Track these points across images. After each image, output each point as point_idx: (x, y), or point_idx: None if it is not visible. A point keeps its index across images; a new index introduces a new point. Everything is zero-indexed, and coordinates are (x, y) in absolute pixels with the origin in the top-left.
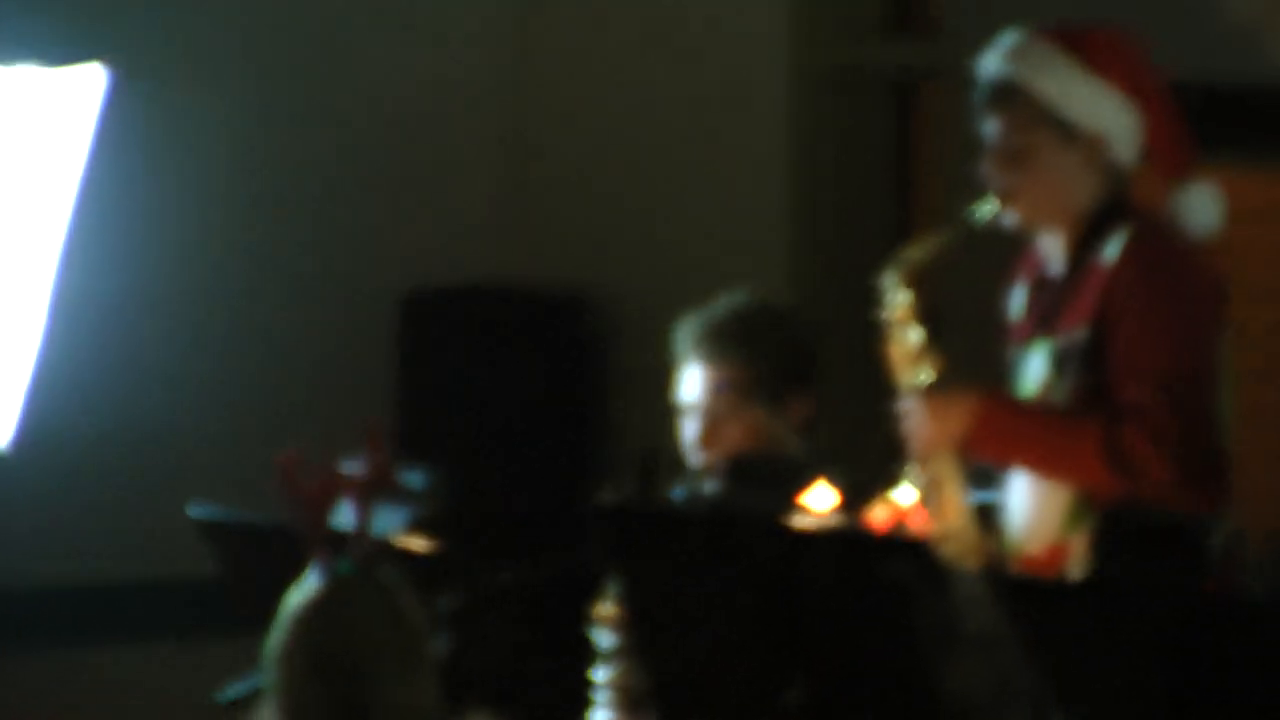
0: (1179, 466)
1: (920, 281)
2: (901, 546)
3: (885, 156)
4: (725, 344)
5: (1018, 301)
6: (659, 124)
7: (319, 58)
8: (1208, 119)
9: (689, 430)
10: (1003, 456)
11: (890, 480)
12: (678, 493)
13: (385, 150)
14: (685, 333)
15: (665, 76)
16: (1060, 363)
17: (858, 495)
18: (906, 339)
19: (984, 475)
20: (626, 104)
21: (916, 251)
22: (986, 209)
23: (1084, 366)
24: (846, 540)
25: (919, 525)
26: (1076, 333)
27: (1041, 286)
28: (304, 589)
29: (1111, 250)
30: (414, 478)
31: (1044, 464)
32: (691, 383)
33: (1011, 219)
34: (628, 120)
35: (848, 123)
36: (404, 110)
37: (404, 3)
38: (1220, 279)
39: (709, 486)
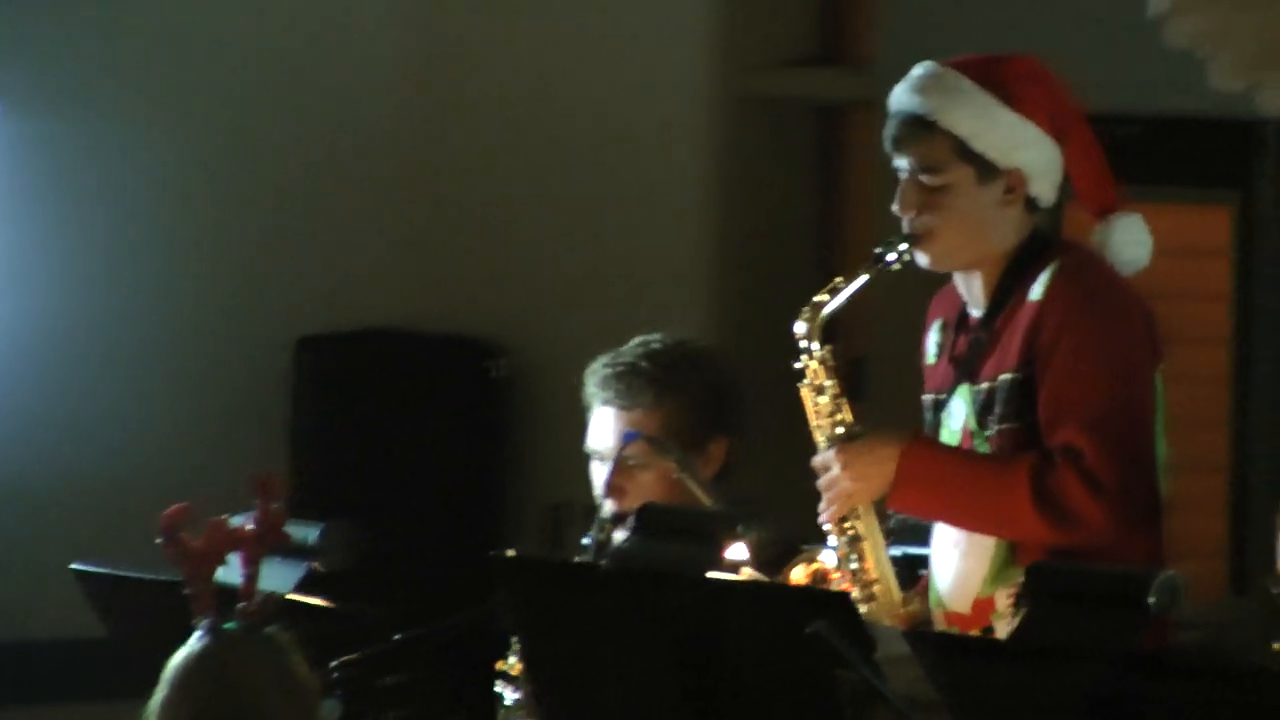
0: (1115, 512)
1: (833, 330)
2: (822, 601)
3: (811, 188)
4: (637, 388)
5: (933, 344)
6: (572, 157)
7: (220, 100)
8: (1144, 150)
9: (599, 478)
10: (929, 509)
11: (810, 535)
12: (587, 541)
13: (279, 191)
14: (595, 376)
15: (580, 108)
16: (984, 410)
17: (779, 545)
18: (822, 391)
19: (906, 530)
20: (537, 136)
21: (828, 299)
22: (900, 250)
23: (1013, 412)
24: (765, 594)
25: (839, 582)
26: (1003, 377)
27: (960, 328)
28: (187, 648)
29: (1038, 287)
30: (309, 531)
31: (973, 515)
32: (602, 428)
33: (926, 260)
34: (538, 153)
35: (773, 154)
36: (300, 151)
37: (305, 46)
38: (1151, 311)
39: (620, 536)
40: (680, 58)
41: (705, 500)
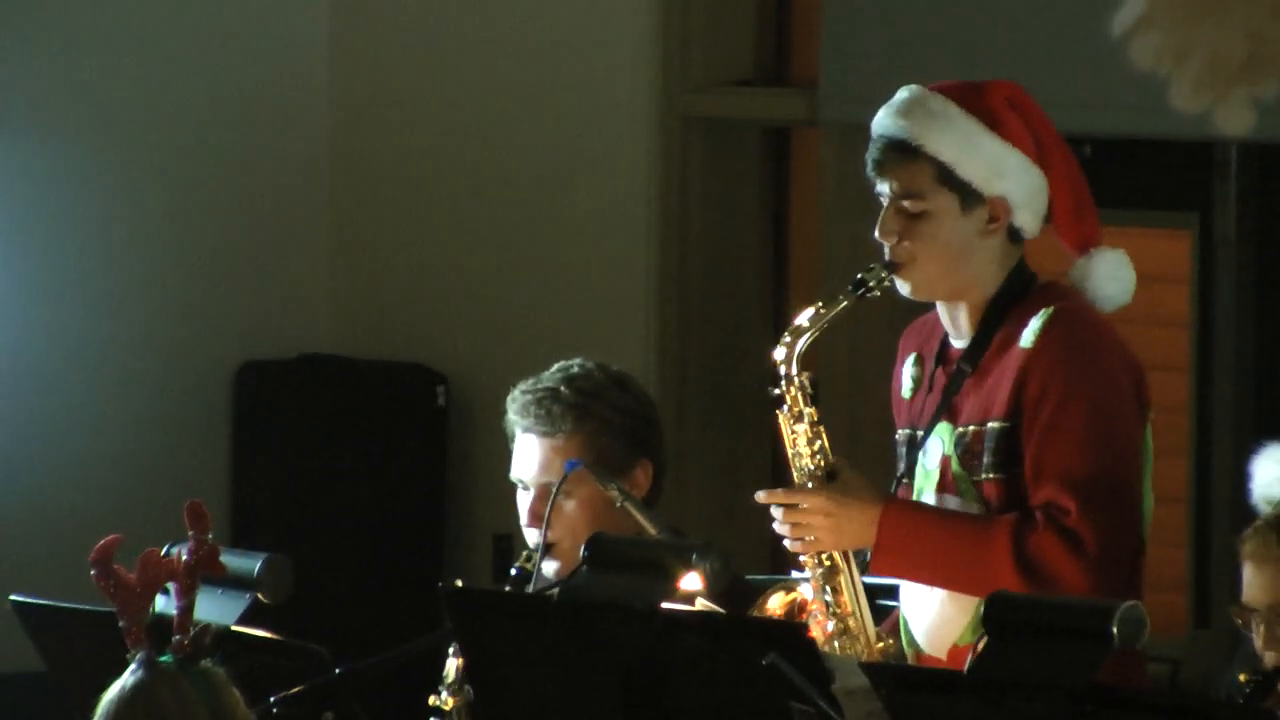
0: (1096, 574)
1: (810, 359)
2: (777, 632)
3: (757, 209)
4: (556, 414)
5: (908, 378)
6: (515, 181)
7: (163, 128)
8: (1100, 172)
9: (523, 506)
10: (909, 573)
11: (768, 563)
12: (515, 572)
13: (220, 217)
14: (514, 403)
15: (523, 132)
16: (969, 454)
17: (729, 576)
18: (801, 421)
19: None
20: (480, 161)
21: (805, 326)
22: (880, 278)
23: (1001, 462)
24: (719, 626)
25: (816, 614)
26: (990, 425)
27: (940, 360)
28: (121, 681)
29: (1029, 334)
30: (250, 561)
31: (953, 578)
32: (524, 456)
33: (907, 288)
34: (481, 178)
35: (717, 176)
36: (241, 177)
37: (247, 74)
38: (1140, 365)
39: (547, 566)
40: (623, 79)
41: (650, 528)
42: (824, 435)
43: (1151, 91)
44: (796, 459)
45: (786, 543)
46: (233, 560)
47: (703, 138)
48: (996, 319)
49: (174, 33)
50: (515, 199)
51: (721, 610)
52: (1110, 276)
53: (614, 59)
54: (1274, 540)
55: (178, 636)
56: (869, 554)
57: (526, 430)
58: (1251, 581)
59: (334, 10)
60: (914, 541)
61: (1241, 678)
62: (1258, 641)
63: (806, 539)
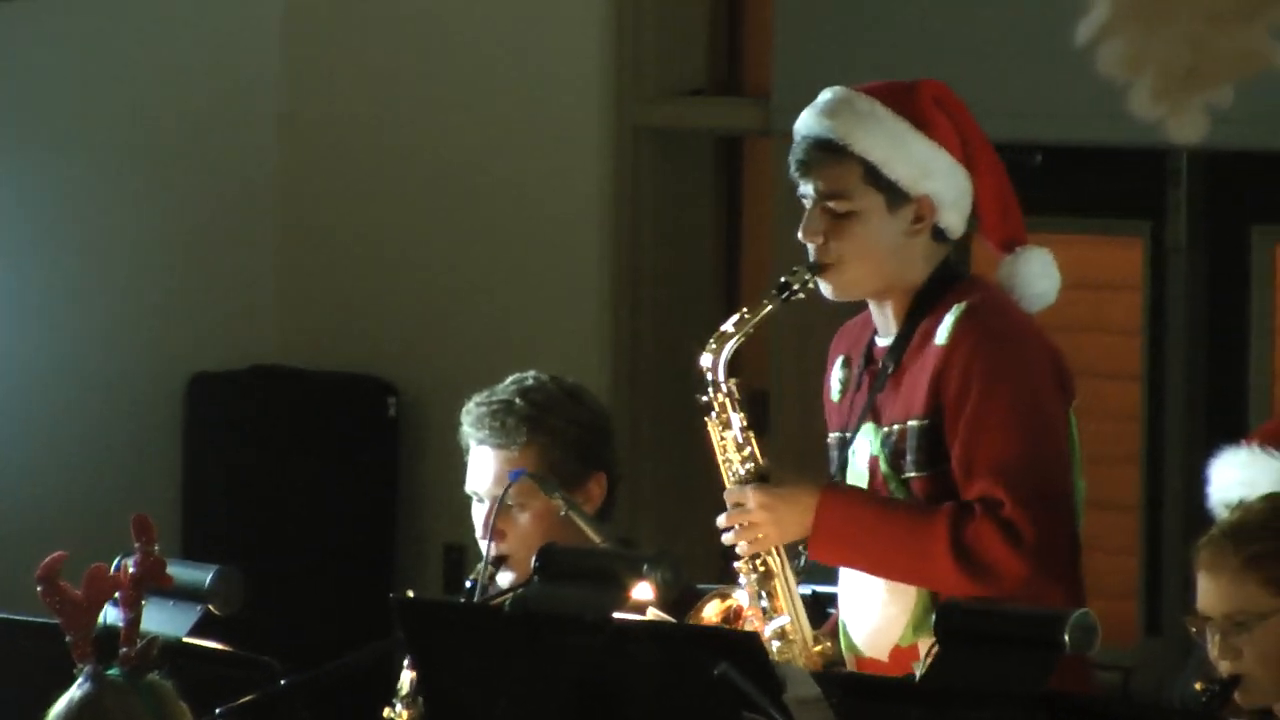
0: (1035, 564)
1: (748, 344)
2: (729, 642)
3: (710, 219)
4: (510, 426)
5: (836, 382)
6: (465, 192)
7: (109, 139)
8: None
9: (478, 518)
10: (847, 559)
11: (720, 572)
12: (470, 584)
13: (169, 227)
14: (469, 415)
15: (473, 142)
16: (895, 454)
17: (681, 585)
18: (730, 428)
19: (815, 568)
20: (429, 171)
21: (733, 331)
22: (805, 279)
23: (925, 460)
24: (670, 635)
25: (752, 620)
26: (911, 423)
27: (868, 360)
28: (68, 694)
29: (943, 331)
30: (201, 573)
31: (891, 566)
32: (479, 468)
33: (830, 290)
34: (430, 188)
35: (670, 186)
36: (189, 186)
37: (193, 82)
38: (1057, 348)
39: (502, 578)
40: (575, 90)
41: (595, 538)
42: (753, 441)
43: (1102, 99)
44: (727, 465)
45: (729, 539)
46: (183, 572)
47: (655, 148)
48: (919, 314)
49: (119, 45)
50: (467, 210)
51: (673, 620)
52: (1038, 275)
53: (566, 69)
54: (1228, 549)
55: (124, 649)
56: (803, 559)
57: (481, 442)
58: (1206, 590)
59: (284, 22)
60: (851, 526)
61: (1197, 686)
62: (1212, 650)
63: (753, 537)
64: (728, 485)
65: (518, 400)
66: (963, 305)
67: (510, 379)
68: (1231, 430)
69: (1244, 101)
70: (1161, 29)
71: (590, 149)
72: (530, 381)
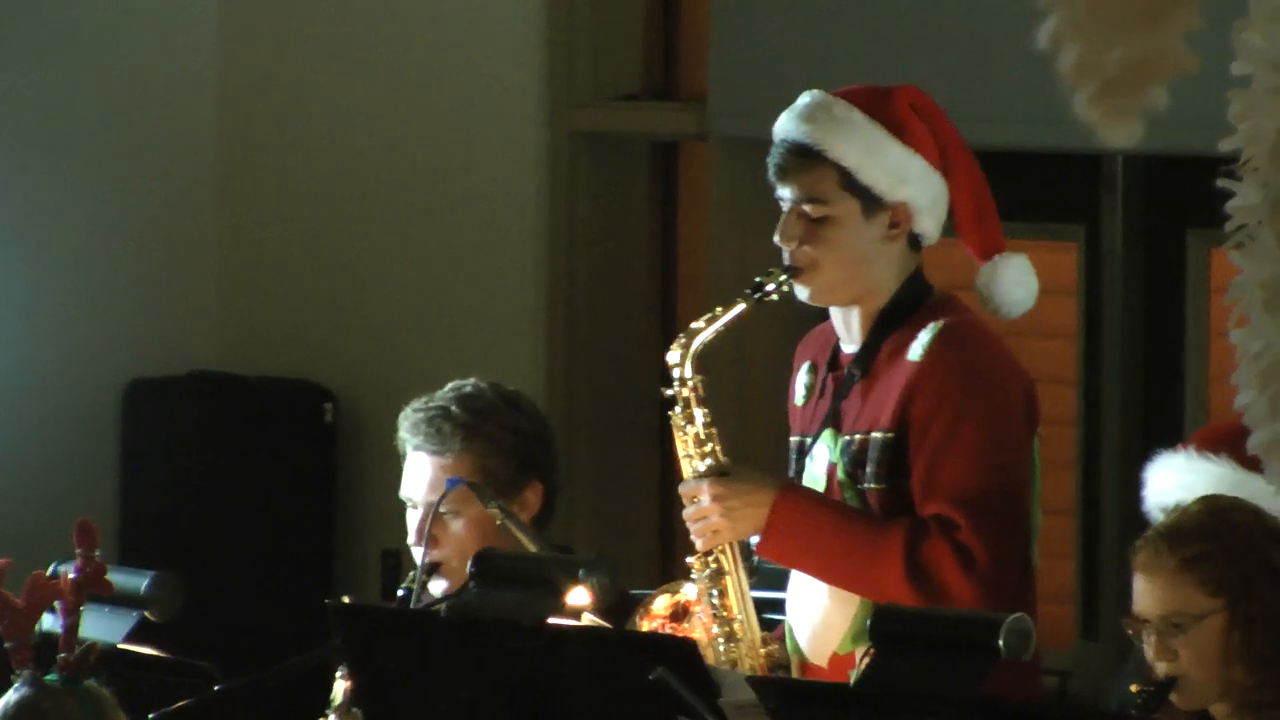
0: (985, 589)
1: (705, 360)
2: (665, 647)
3: (646, 224)
4: (446, 433)
5: (801, 386)
6: (401, 197)
7: (45, 143)
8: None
9: (412, 525)
10: (797, 561)
11: (658, 579)
12: (403, 592)
13: (105, 231)
14: (406, 421)
15: (409, 148)
16: (855, 463)
17: (617, 590)
18: (693, 423)
19: (767, 574)
20: (365, 177)
21: (701, 328)
22: (780, 281)
23: (884, 474)
24: (606, 640)
25: (701, 615)
26: (875, 435)
27: (832, 366)
28: (5, 699)
29: (918, 347)
30: (138, 579)
31: (841, 574)
32: (414, 475)
33: (806, 293)
34: (367, 194)
35: (606, 191)
36: (125, 191)
37: (128, 85)
38: (1030, 379)
39: (435, 585)
40: (510, 95)
41: (529, 545)
42: (715, 438)
43: (1037, 103)
44: (688, 460)
45: (693, 537)
46: (121, 578)
47: (590, 153)
48: (888, 326)
49: (55, 44)
50: (404, 216)
51: (609, 625)
52: (1016, 282)
53: (501, 75)
54: (1165, 550)
55: (63, 655)
56: (755, 558)
57: (417, 449)
58: (1143, 592)
59: (221, 29)
60: (806, 527)
61: (1133, 688)
62: (1149, 652)
63: (706, 531)
64: (685, 479)
65: (454, 407)
66: (940, 324)
67: (449, 385)
68: (1168, 435)
69: (1179, 105)
70: (1100, 31)
71: (526, 154)
72: (468, 388)
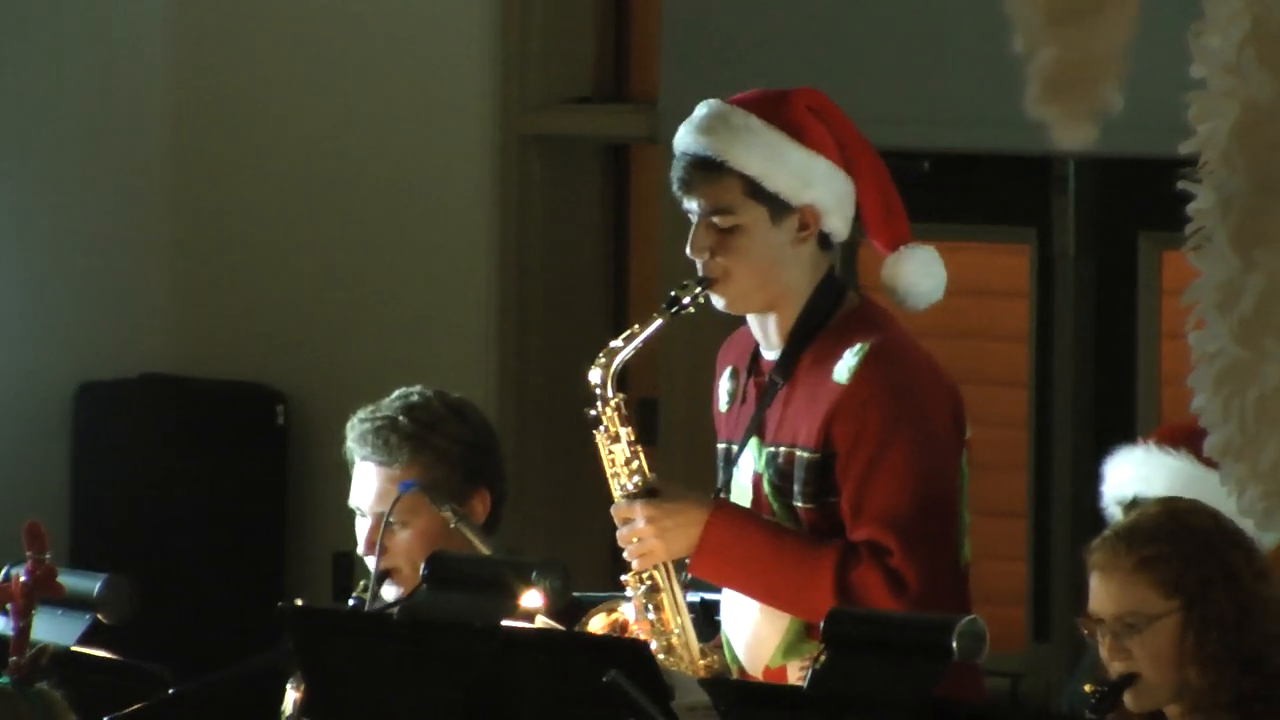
0: (915, 610)
1: (639, 370)
2: (617, 649)
3: (598, 226)
4: (394, 443)
5: (724, 392)
6: (353, 200)
7: None
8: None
9: (361, 533)
10: (729, 581)
11: (608, 585)
12: (354, 599)
13: (55, 235)
14: (353, 431)
15: (360, 150)
16: (780, 475)
17: (570, 593)
18: (618, 441)
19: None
20: (317, 180)
21: (622, 345)
22: (695, 293)
23: (811, 494)
24: (559, 643)
25: (638, 633)
26: (800, 454)
27: (752, 371)
28: None
29: (843, 369)
30: (90, 582)
31: (772, 595)
32: (363, 484)
33: (722, 302)
34: (318, 196)
35: (557, 194)
36: (74, 193)
37: (73, 86)
38: (957, 392)
39: (387, 592)
40: (462, 98)
41: (482, 549)
42: (641, 455)
43: (989, 107)
44: (615, 479)
45: (627, 558)
46: (73, 581)
47: (542, 156)
48: (807, 331)
49: (6, 49)
50: (356, 219)
51: (561, 628)
52: (923, 273)
53: (453, 78)
54: (1121, 550)
55: (14, 658)
56: (686, 575)
57: (365, 459)
58: (1098, 591)
59: (172, 33)
60: (738, 548)
61: (1087, 688)
62: (1104, 652)
63: (640, 552)
64: (615, 499)
65: (401, 418)
66: (866, 346)
67: (395, 394)
68: (1119, 436)
69: (1130, 108)
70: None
71: (478, 157)
72: (415, 398)
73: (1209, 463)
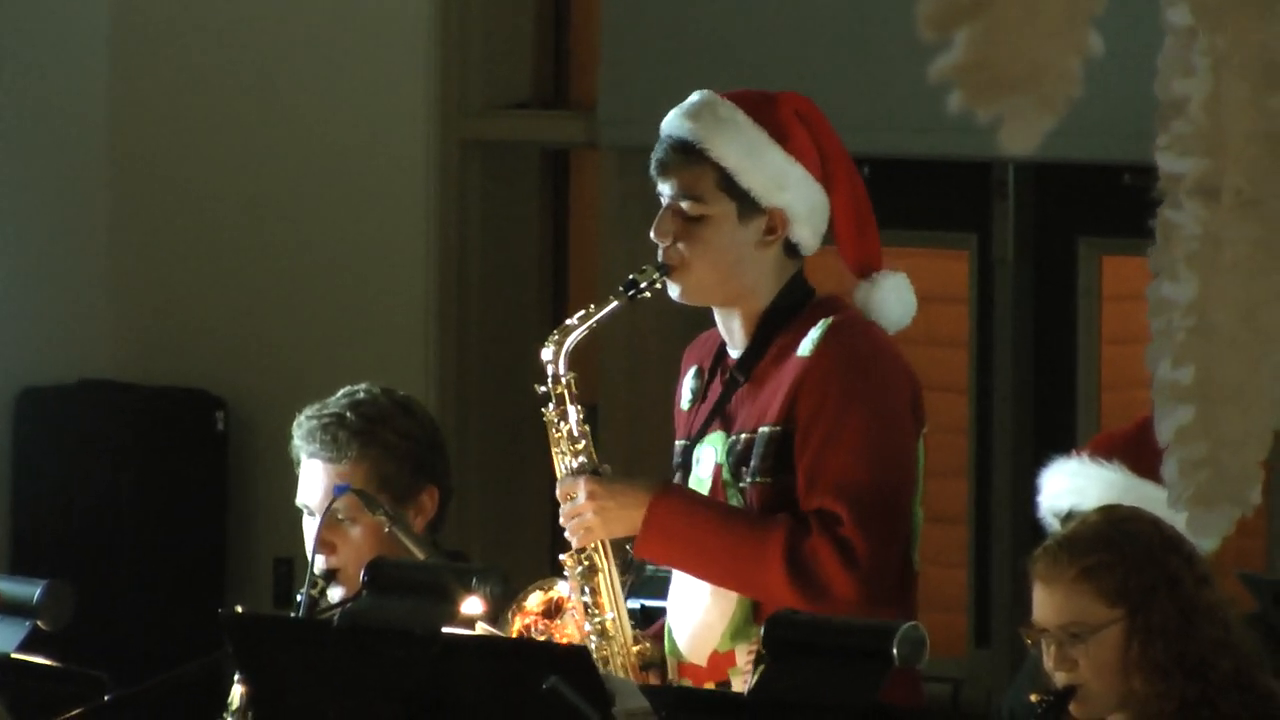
0: (866, 585)
1: (578, 357)
2: (558, 655)
3: (537, 231)
4: (342, 440)
5: (687, 390)
6: (292, 204)
7: None
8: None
9: (309, 532)
10: (675, 560)
11: (544, 567)
12: (301, 598)
13: None
14: (300, 429)
15: (301, 155)
16: (739, 460)
17: (509, 599)
18: (566, 420)
19: (647, 583)
20: (256, 183)
21: (575, 325)
22: (653, 279)
23: (768, 468)
24: (499, 649)
25: (572, 612)
26: (762, 430)
27: (716, 370)
28: None
29: (807, 343)
30: (29, 588)
31: (720, 572)
32: (310, 482)
33: (677, 291)
34: (258, 200)
35: (497, 199)
36: (11, 200)
37: (12, 90)
38: (916, 378)
39: (334, 592)
40: (401, 103)
41: (417, 553)
42: (589, 435)
43: (928, 112)
44: (560, 457)
45: (568, 535)
46: (12, 587)
47: (481, 160)
48: (771, 329)
49: None
50: (294, 223)
51: (501, 634)
52: (894, 300)
53: (392, 83)
54: (1063, 559)
55: None
56: (629, 555)
57: (312, 456)
58: (1043, 601)
59: (110, 33)
60: (683, 527)
61: (1033, 698)
62: (1048, 662)
63: (580, 528)
64: (559, 477)
65: (349, 414)
66: (829, 320)
67: (341, 392)
68: (1059, 442)
69: (1071, 112)
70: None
71: (417, 162)
72: (361, 395)
73: (1142, 473)
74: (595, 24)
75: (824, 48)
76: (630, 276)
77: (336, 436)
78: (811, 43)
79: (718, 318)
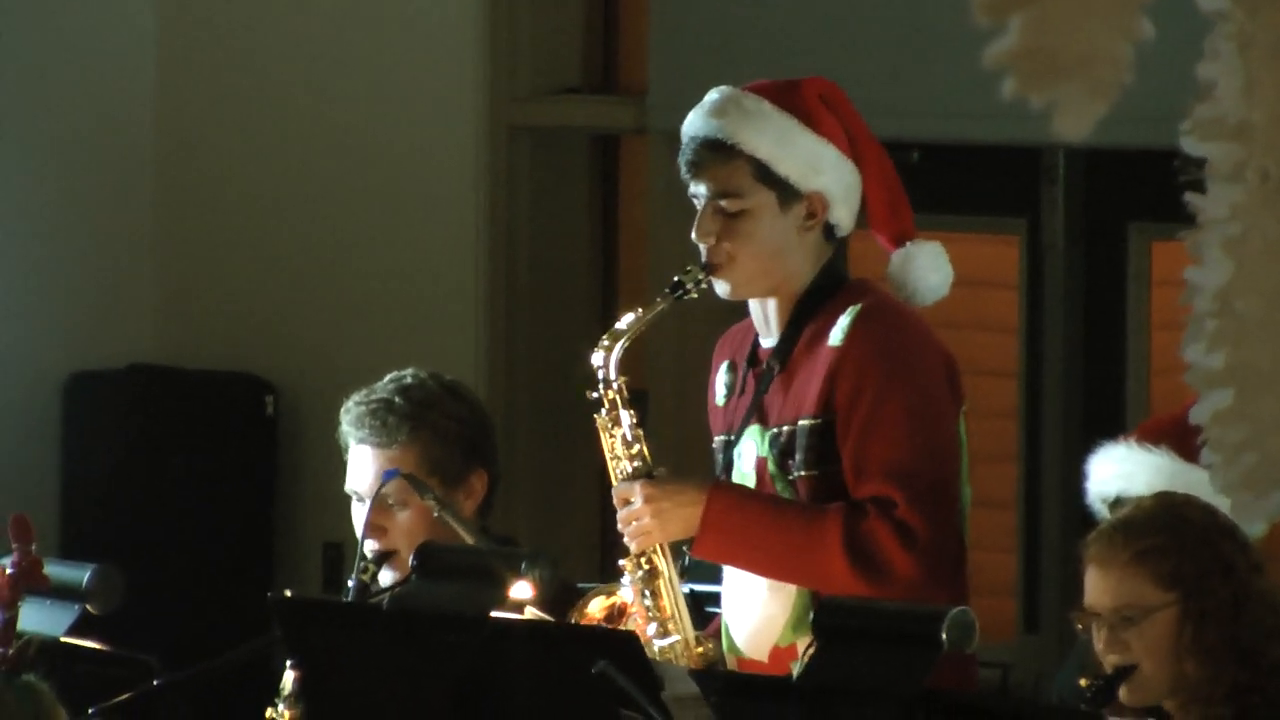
0: (926, 564)
1: (628, 361)
2: (607, 640)
3: (586, 217)
4: (391, 425)
5: (721, 386)
6: (342, 190)
7: None
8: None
9: (359, 518)
10: (734, 557)
11: (597, 570)
12: (351, 582)
13: (41, 227)
14: (349, 414)
15: (350, 141)
16: (784, 454)
17: (561, 584)
18: (619, 425)
19: (697, 567)
20: (306, 170)
21: (623, 330)
22: (698, 279)
23: (813, 460)
24: (549, 634)
25: (636, 618)
26: (802, 423)
27: (751, 362)
28: None
29: (837, 332)
30: (79, 572)
31: (780, 565)
32: (359, 468)
33: (726, 289)
34: (307, 187)
35: (546, 185)
36: (64, 185)
37: (61, 77)
38: (951, 355)
39: (385, 576)
40: (450, 89)
41: (467, 538)
42: (643, 440)
43: (979, 96)
44: (615, 463)
45: (626, 540)
46: (61, 571)
47: (530, 146)
48: (805, 313)
49: None
50: (345, 209)
51: (551, 618)
52: (930, 268)
53: (441, 68)
54: (1119, 543)
55: (1, 650)
56: (686, 558)
57: (361, 441)
58: (1095, 585)
59: (159, 24)
60: (740, 522)
61: (1082, 682)
62: (1099, 645)
63: (638, 533)
64: (614, 483)
65: (397, 399)
66: (858, 307)
67: (389, 377)
68: (1109, 427)
69: (1122, 98)
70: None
71: (466, 148)
72: (409, 379)
73: (1190, 458)
74: (644, 9)
75: (874, 33)
76: (675, 278)
77: (385, 421)
78: (862, 28)
79: (753, 307)
